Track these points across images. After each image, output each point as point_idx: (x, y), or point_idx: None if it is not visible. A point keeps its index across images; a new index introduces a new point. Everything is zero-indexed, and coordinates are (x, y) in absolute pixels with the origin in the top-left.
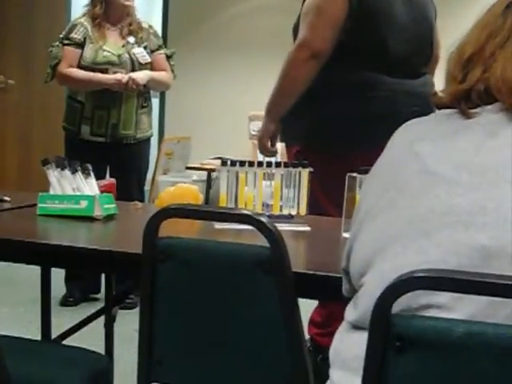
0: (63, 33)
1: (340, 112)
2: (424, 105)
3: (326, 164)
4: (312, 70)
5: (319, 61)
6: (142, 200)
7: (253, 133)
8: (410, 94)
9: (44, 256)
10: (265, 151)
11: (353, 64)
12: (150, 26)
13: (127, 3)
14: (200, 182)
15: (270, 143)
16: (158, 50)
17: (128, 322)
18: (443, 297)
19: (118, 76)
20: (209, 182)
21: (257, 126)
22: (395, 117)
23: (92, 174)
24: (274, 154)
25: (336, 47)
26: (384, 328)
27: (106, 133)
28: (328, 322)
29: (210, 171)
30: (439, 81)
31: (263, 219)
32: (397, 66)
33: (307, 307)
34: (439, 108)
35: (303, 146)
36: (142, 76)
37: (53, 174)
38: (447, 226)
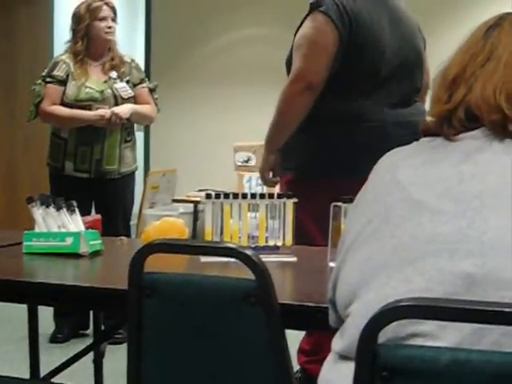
0: (45, 70)
1: (329, 142)
2: (413, 134)
3: (315, 192)
4: (307, 101)
5: (314, 92)
6: (128, 235)
7: (238, 163)
8: (400, 123)
9: (31, 294)
10: (267, 183)
11: (343, 94)
12: (133, 60)
13: (109, 37)
14: (187, 214)
15: (271, 174)
16: (140, 83)
17: (118, 358)
18: (429, 325)
19: (101, 112)
20: (195, 215)
21: (242, 156)
22: (384, 146)
23: (77, 210)
24: (275, 184)
25: (327, 78)
26: (370, 358)
27: (89, 168)
28: (316, 349)
29: (196, 203)
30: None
31: (248, 252)
32: (387, 96)
33: (295, 337)
34: (425, 133)
35: (294, 174)
36: (124, 110)
37: (38, 212)
38: (431, 254)
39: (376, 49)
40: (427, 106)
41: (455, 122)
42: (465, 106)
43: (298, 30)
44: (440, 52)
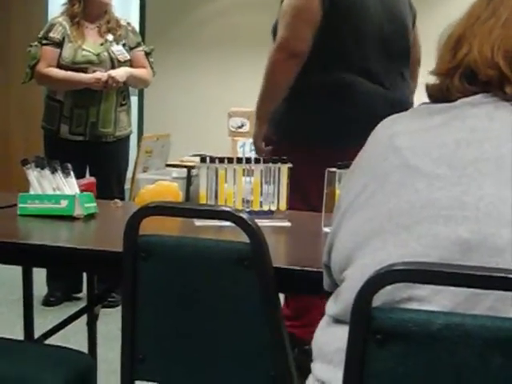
0: (41, 32)
1: (316, 111)
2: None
3: (297, 156)
4: (292, 69)
5: (299, 60)
6: (122, 198)
7: (232, 129)
8: (387, 99)
9: (25, 256)
10: (260, 152)
11: (330, 66)
12: (129, 24)
13: (106, 1)
14: (180, 179)
15: (263, 144)
16: (136, 47)
17: (111, 321)
18: (424, 290)
19: (98, 75)
20: (189, 179)
21: (236, 122)
22: (371, 119)
23: (72, 173)
24: (268, 153)
25: (313, 48)
26: (364, 321)
27: (85, 131)
28: (298, 314)
29: (189, 168)
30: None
31: (243, 215)
32: (374, 71)
33: None
34: (429, 97)
35: (281, 142)
36: (121, 73)
37: (32, 174)
38: (427, 219)
39: (360, 20)
40: (421, 80)
41: (456, 81)
42: (466, 64)
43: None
44: (435, 24)
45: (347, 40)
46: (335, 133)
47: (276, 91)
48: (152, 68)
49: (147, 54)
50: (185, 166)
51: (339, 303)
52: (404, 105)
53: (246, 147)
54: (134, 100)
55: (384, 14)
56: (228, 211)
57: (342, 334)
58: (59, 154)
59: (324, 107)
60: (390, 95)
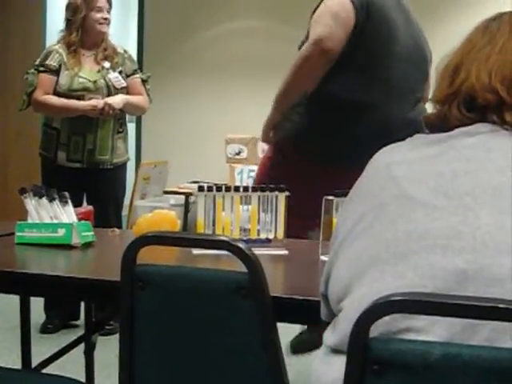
0: (38, 60)
1: (330, 127)
2: (415, 132)
3: (302, 167)
4: (322, 66)
5: (330, 58)
6: (119, 226)
7: (229, 156)
8: (404, 120)
9: (23, 285)
10: (266, 139)
11: (352, 80)
12: (125, 51)
13: (103, 30)
14: (178, 206)
15: (271, 133)
16: (133, 74)
17: (109, 349)
18: (421, 320)
19: (94, 102)
20: (186, 206)
21: (233, 148)
22: (384, 140)
23: (69, 201)
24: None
25: (340, 57)
26: (362, 351)
27: (82, 158)
28: None
29: (187, 195)
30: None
31: (240, 245)
32: (394, 91)
33: (286, 330)
34: (427, 126)
35: (287, 146)
36: (117, 100)
37: (30, 203)
38: (424, 249)
39: (390, 38)
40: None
41: (454, 109)
42: (464, 91)
43: (313, 12)
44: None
45: (375, 54)
46: (344, 152)
47: (300, 86)
48: (148, 95)
49: (144, 82)
50: (183, 193)
51: (337, 333)
52: (416, 125)
53: (243, 174)
54: (131, 126)
55: (411, 40)
56: (225, 241)
57: (339, 364)
58: (57, 180)
59: (339, 125)
60: (406, 116)
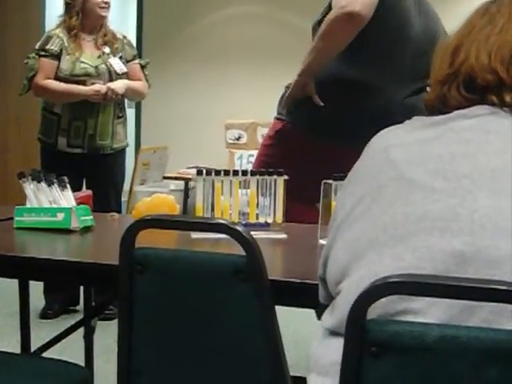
0: (39, 44)
1: (332, 107)
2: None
3: (306, 147)
4: (351, 31)
5: (359, 24)
6: (119, 211)
7: (229, 141)
8: (406, 105)
9: (22, 269)
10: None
11: (359, 61)
12: (125, 37)
13: (104, 14)
14: (177, 191)
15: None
16: (132, 60)
17: (108, 333)
18: (419, 302)
19: (97, 87)
20: (186, 192)
21: (233, 134)
22: (386, 123)
23: (68, 186)
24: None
25: (354, 41)
26: (359, 334)
27: (83, 144)
28: None
29: (187, 180)
30: None
31: (239, 228)
32: (401, 76)
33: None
34: (427, 108)
35: (289, 125)
36: (120, 85)
37: (29, 187)
38: (422, 231)
39: (403, 24)
40: None
41: (453, 90)
42: (464, 72)
43: None
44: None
45: (388, 37)
46: (344, 132)
47: (328, 50)
48: (147, 81)
49: (143, 67)
50: (182, 179)
51: (335, 315)
52: (421, 111)
53: (243, 159)
54: (131, 112)
55: (423, 26)
56: (223, 224)
57: (337, 346)
58: (56, 166)
59: (340, 105)
60: (410, 102)
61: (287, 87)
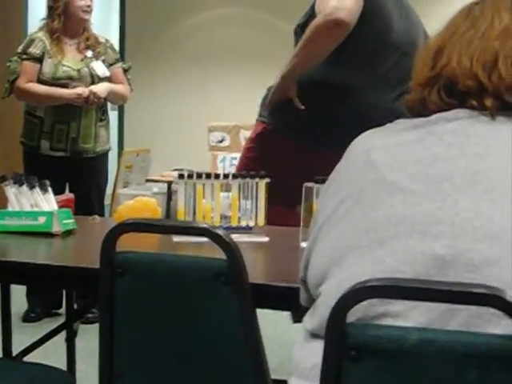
0: (21, 47)
1: (313, 108)
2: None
3: (287, 149)
4: (335, 39)
5: (343, 31)
6: (102, 214)
7: (212, 144)
8: (386, 109)
9: (3, 273)
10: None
11: (341, 65)
12: (107, 40)
13: (86, 17)
14: (160, 194)
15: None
16: (115, 63)
17: (91, 337)
18: (399, 306)
19: (79, 90)
20: (169, 194)
21: (216, 136)
22: (366, 127)
23: (50, 189)
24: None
25: (337, 46)
26: (339, 337)
27: (65, 147)
28: None
29: (170, 183)
30: None
31: (219, 232)
32: (382, 80)
33: (268, 316)
34: (408, 110)
35: (270, 127)
36: (102, 89)
37: (11, 191)
38: (402, 235)
39: (385, 29)
40: None
41: (434, 93)
42: (445, 76)
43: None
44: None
45: (370, 41)
46: (324, 136)
47: (313, 58)
48: (130, 84)
49: (125, 71)
50: (165, 181)
51: (315, 318)
52: (401, 115)
53: (226, 162)
54: (114, 115)
55: (404, 30)
56: (204, 227)
57: (318, 349)
58: (39, 170)
59: (320, 108)
60: (390, 106)
61: (269, 89)
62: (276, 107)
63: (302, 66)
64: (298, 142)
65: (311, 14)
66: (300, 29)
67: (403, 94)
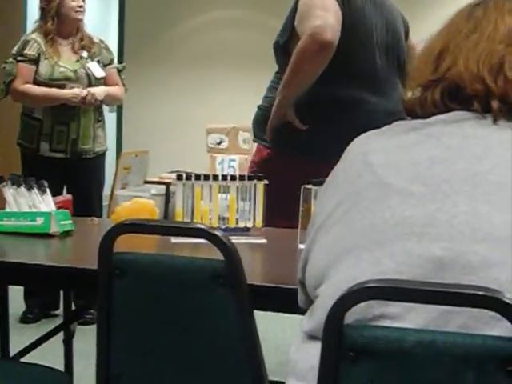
0: (16, 49)
1: (316, 125)
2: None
3: (290, 171)
4: (322, 61)
5: (329, 51)
6: (100, 215)
7: (210, 146)
8: (386, 110)
9: (1, 273)
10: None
11: (332, 80)
12: (102, 41)
13: (79, 17)
14: (159, 195)
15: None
16: (110, 64)
17: (88, 338)
18: (396, 307)
19: (76, 91)
20: (167, 196)
21: (214, 138)
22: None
23: (48, 190)
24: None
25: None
26: (336, 338)
27: (65, 148)
28: None
29: (168, 185)
30: None
31: (217, 233)
32: (374, 82)
33: (264, 317)
34: (407, 111)
35: (277, 148)
36: (99, 91)
37: (8, 192)
38: (401, 236)
39: (368, 29)
40: None
41: (437, 95)
42: (450, 78)
43: (293, 11)
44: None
45: (355, 47)
46: (330, 149)
47: (303, 81)
48: (124, 85)
49: (119, 71)
50: (163, 183)
51: (313, 320)
52: (398, 114)
53: (224, 164)
54: (112, 117)
55: (385, 27)
56: (202, 229)
57: (315, 351)
58: (38, 171)
59: (323, 123)
60: (388, 106)
61: (260, 107)
62: (277, 131)
63: (294, 92)
64: (305, 159)
65: (291, 31)
66: (281, 47)
67: (397, 91)
